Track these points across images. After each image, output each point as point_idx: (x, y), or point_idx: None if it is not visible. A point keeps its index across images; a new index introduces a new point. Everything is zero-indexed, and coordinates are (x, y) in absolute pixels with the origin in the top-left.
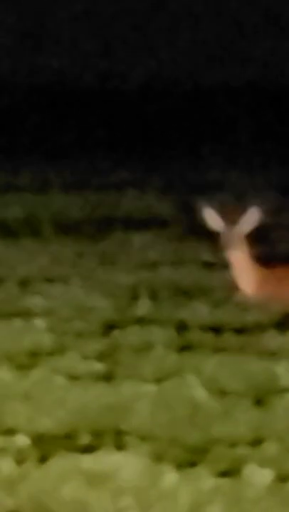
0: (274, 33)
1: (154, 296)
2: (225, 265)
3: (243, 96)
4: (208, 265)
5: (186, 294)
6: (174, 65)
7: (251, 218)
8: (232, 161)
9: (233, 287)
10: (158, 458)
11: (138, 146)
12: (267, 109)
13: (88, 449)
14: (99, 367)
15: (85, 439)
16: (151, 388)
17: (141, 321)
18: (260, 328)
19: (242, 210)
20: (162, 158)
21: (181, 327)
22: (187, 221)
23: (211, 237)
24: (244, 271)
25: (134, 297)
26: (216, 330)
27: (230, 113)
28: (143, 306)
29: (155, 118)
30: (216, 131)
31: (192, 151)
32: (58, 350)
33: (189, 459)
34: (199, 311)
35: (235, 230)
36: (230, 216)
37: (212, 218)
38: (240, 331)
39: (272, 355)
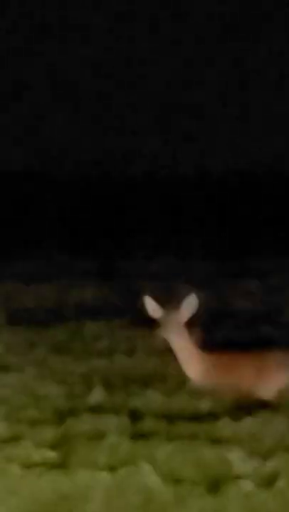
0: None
1: (107, 384)
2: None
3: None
4: (161, 353)
5: (139, 382)
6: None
7: (189, 305)
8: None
9: (184, 375)
10: None
11: (93, 239)
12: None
13: None
14: (53, 455)
15: None
16: (105, 476)
17: (94, 409)
18: (213, 415)
19: (181, 297)
20: (113, 249)
21: (135, 415)
22: (137, 310)
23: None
24: (187, 357)
25: (88, 385)
26: (169, 418)
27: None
28: (96, 394)
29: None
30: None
31: (142, 243)
32: (13, 439)
33: None
34: (152, 399)
35: (174, 316)
36: (171, 304)
37: (151, 306)
38: (193, 418)
39: (225, 442)
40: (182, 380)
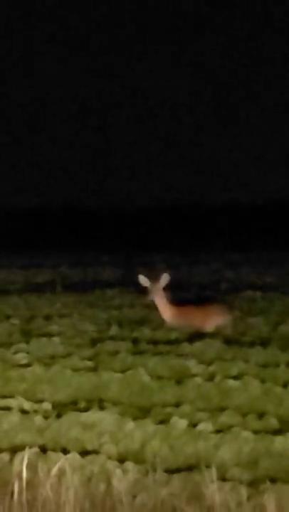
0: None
1: (119, 324)
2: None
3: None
4: (149, 306)
5: (137, 322)
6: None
7: (165, 279)
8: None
9: (162, 319)
10: (123, 414)
11: (114, 247)
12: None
13: (84, 410)
14: (89, 363)
15: (82, 404)
16: (118, 375)
17: (112, 338)
18: (179, 341)
19: (160, 274)
20: (119, 252)
21: (135, 341)
22: (136, 282)
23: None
24: (164, 309)
25: (108, 325)
26: (154, 343)
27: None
28: (113, 330)
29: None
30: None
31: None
32: (67, 355)
33: (140, 415)
34: (145, 333)
35: (156, 285)
36: (154, 278)
37: (143, 279)
38: (167, 342)
39: (186, 356)
40: (161, 321)
